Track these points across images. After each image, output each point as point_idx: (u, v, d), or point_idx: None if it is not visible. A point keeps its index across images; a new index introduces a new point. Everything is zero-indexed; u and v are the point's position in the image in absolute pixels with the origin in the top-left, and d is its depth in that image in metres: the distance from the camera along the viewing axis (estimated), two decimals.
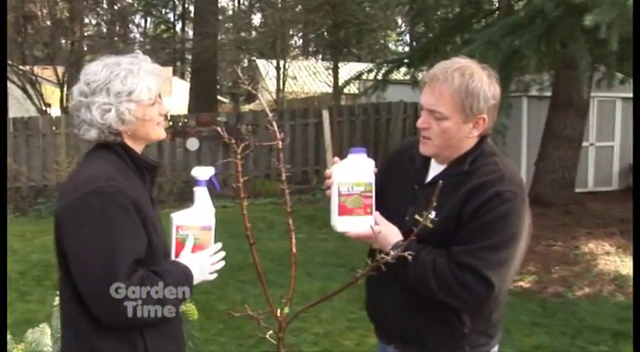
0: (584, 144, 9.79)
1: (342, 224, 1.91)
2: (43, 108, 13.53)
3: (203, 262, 1.90)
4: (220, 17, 20.80)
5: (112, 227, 1.69)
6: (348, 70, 14.94)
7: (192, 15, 24.05)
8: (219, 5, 21.93)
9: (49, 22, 14.78)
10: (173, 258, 1.89)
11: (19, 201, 10.21)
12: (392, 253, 1.69)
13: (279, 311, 1.85)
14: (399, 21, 23.06)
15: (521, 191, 1.89)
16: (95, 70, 1.80)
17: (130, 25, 25.26)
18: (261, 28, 19.29)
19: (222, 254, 1.97)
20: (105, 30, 19.14)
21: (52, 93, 13.94)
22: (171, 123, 11.68)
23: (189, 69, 25.37)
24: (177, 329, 1.96)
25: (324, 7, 14.10)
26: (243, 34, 19.57)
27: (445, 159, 1.97)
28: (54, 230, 1.79)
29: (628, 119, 11.09)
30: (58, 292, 1.94)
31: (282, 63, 16.27)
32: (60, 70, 13.97)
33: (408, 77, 10.14)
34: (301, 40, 22.67)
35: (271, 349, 1.92)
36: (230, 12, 28.23)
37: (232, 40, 19.22)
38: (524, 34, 6.50)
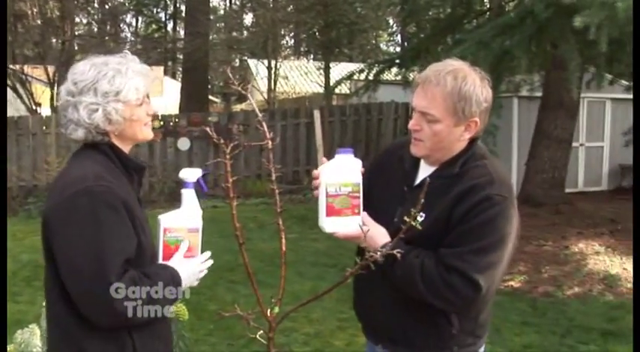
0: (574, 144, 9.83)
1: (330, 225, 1.91)
2: (34, 107, 13.45)
3: (192, 268, 1.89)
4: (212, 17, 20.76)
5: (102, 226, 1.69)
6: (339, 70, 14.95)
7: (183, 14, 23.98)
8: (211, 5, 21.89)
9: (39, 21, 14.68)
10: (160, 259, 1.88)
11: (9, 201, 10.15)
12: (379, 253, 1.69)
13: (269, 311, 1.85)
14: (391, 21, 23.11)
15: (510, 194, 1.90)
16: (83, 69, 1.80)
17: (121, 25, 25.13)
18: (252, 28, 19.24)
19: (210, 262, 1.96)
20: (96, 29, 19.04)
21: (42, 93, 13.85)
22: (162, 122, 11.66)
23: (180, 68, 25.33)
24: (166, 329, 1.95)
25: (316, 7, 14.10)
26: (234, 33, 19.52)
27: (436, 160, 1.97)
28: (42, 230, 1.78)
29: (617, 120, 11.17)
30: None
31: (273, 63, 16.26)
32: (50, 69, 13.89)
33: (399, 77, 10.15)
34: (293, 40, 22.65)
35: (262, 349, 1.92)
36: (221, 12, 28.18)
37: (224, 39, 19.19)
38: (515, 35, 6.53)
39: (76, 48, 15.75)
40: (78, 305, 1.71)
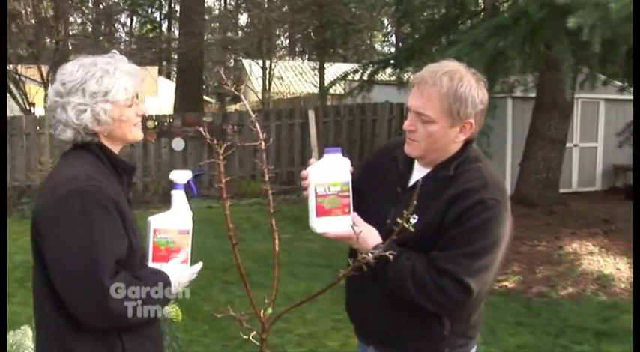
0: (568, 144, 9.87)
1: (320, 225, 1.90)
2: (27, 107, 13.41)
3: (183, 278, 1.89)
4: (206, 17, 20.74)
5: (94, 226, 1.68)
6: (334, 70, 14.96)
7: (178, 15, 23.94)
8: (206, 5, 21.89)
9: (33, 21, 14.63)
10: (150, 261, 1.88)
11: None
12: (370, 255, 1.69)
13: (262, 312, 1.85)
14: (386, 22, 23.12)
15: (503, 198, 1.89)
16: (71, 69, 1.79)
17: (116, 25, 25.12)
18: (247, 28, 19.23)
19: (200, 265, 1.95)
20: (90, 29, 19.00)
21: (36, 93, 13.80)
22: (156, 123, 11.65)
23: (175, 69, 25.30)
24: (156, 330, 1.94)
25: (311, 8, 14.09)
26: (229, 34, 19.50)
27: (430, 162, 1.96)
28: (31, 230, 1.77)
29: (611, 120, 11.21)
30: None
31: (268, 63, 16.26)
32: (44, 69, 13.84)
33: (393, 78, 10.16)
34: (287, 41, 22.68)
35: (255, 350, 1.91)
36: (216, 12, 28.14)
37: (218, 39, 19.20)
38: (509, 36, 6.53)
39: (70, 48, 15.71)
40: (68, 305, 1.71)
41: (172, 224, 1.91)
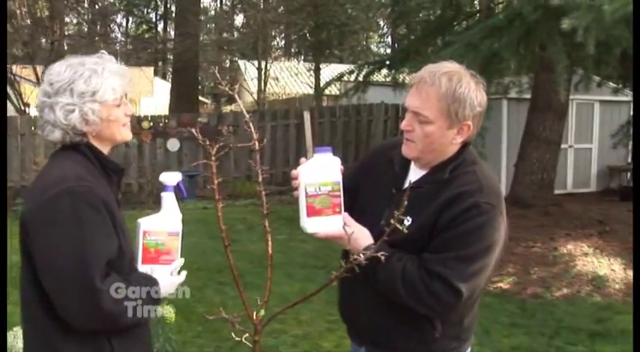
0: (563, 146, 9.88)
1: (311, 225, 1.88)
2: (22, 107, 13.38)
3: (169, 288, 1.89)
4: (202, 18, 20.72)
5: (84, 227, 1.67)
6: (329, 71, 14.97)
7: (174, 15, 23.93)
8: (202, 6, 21.86)
9: (28, 21, 14.61)
10: (139, 263, 1.87)
11: None
12: (362, 256, 1.68)
13: (254, 314, 1.84)
14: (381, 23, 23.15)
15: (498, 202, 1.88)
16: (59, 70, 1.78)
17: (112, 25, 25.06)
18: (243, 29, 19.23)
19: (183, 276, 1.95)
20: (86, 29, 18.98)
21: (30, 93, 13.78)
22: (151, 123, 11.63)
23: (170, 69, 25.27)
24: (145, 333, 1.93)
25: (306, 9, 14.09)
26: (225, 34, 19.51)
27: (426, 163, 1.95)
28: (20, 231, 1.75)
29: (606, 121, 11.24)
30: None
31: (263, 64, 16.25)
32: (39, 69, 13.81)
33: (389, 79, 10.17)
34: (283, 41, 22.68)
35: (249, 351, 1.91)
36: (212, 12, 28.13)
37: (214, 40, 19.20)
38: (503, 37, 6.54)
39: (66, 48, 15.69)
40: (57, 307, 1.69)
41: (162, 226, 1.91)
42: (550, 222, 8.08)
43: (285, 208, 8.93)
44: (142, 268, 1.86)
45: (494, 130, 9.02)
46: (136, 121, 11.56)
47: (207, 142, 1.80)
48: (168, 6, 30.26)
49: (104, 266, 1.69)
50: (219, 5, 29.89)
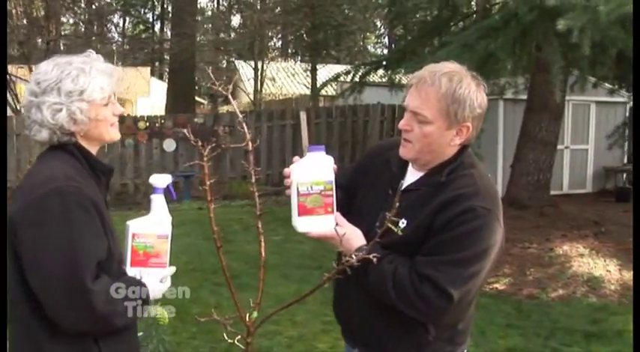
0: (559, 147, 9.88)
1: (302, 224, 1.87)
2: (18, 107, 13.34)
3: (157, 294, 1.89)
4: (199, 18, 20.73)
5: (74, 227, 1.65)
6: (326, 71, 14.98)
7: (170, 15, 23.90)
8: (198, 6, 21.86)
9: (24, 21, 14.58)
10: (128, 265, 1.86)
11: None
12: (354, 257, 1.67)
13: (247, 315, 1.84)
14: (378, 23, 23.15)
15: (495, 207, 1.84)
16: (46, 69, 1.76)
17: (108, 25, 25.04)
18: (239, 30, 19.24)
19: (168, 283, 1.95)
20: (82, 29, 18.93)
21: None
22: (148, 123, 11.61)
23: (167, 69, 25.23)
24: (133, 335, 1.92)
25: (303, 9, 14.12)
26: (221, 35, 19.51)
27: (424, 165, 1.92)
28: (7, 232, 1.72)
29: (602, 122, 11.26)
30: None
31: (260, 64, 16.25)
32: (35, 69, 13.83)
33: (385, 79, 10.17)
34: (280, 42, 22.67)
35: None
36: (209, 13, 28.14)
37: (211, 40, 19.22)
38: (499, 38, 6.55)
39: (62, 48, 15.65)
40: (47, 308, 1.67)
41: (151, 228, 1.89)
42: (546, 222, 8.07)
43: (282, 209, 8.90)
44: (131, 271, 1.85)
45: (490, 131, 9.03)
46: (133, 121, 11.55)
47: (200, 143, 1.80)
48: (165, 6, 30.22)
49: (94, 266, 1.67)
50: (215, 6, 29.88)
